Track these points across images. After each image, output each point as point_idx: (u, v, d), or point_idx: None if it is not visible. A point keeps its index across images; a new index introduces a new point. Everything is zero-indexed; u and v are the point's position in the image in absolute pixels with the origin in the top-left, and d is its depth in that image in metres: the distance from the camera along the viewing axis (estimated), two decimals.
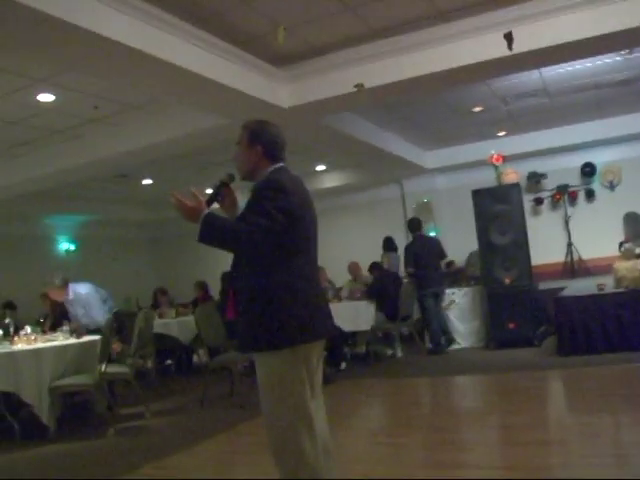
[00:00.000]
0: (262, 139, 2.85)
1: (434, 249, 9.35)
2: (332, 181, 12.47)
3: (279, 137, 2.91)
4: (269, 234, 2.58)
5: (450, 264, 10.17)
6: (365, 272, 9.61)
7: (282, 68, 6.63)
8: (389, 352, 8.93)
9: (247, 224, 2.61)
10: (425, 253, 9.16)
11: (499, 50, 5.73)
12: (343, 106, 7.17)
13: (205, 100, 6.32)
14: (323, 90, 6.62)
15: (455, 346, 9.09)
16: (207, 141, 8.13)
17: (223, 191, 2.90)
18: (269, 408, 2.67)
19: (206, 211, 2.65)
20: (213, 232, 2.62)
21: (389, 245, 10.53)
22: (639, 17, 5.39)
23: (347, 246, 12.02)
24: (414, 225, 9.55)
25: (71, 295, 6.58)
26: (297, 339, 2.64)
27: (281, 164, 2.87)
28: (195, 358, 9.47)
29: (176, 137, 7.61)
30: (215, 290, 9.48)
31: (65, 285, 6.58)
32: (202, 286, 9.85)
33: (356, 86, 6.35)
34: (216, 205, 2.87)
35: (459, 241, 11.33)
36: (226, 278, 9.27)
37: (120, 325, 6.69)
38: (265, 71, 6.48)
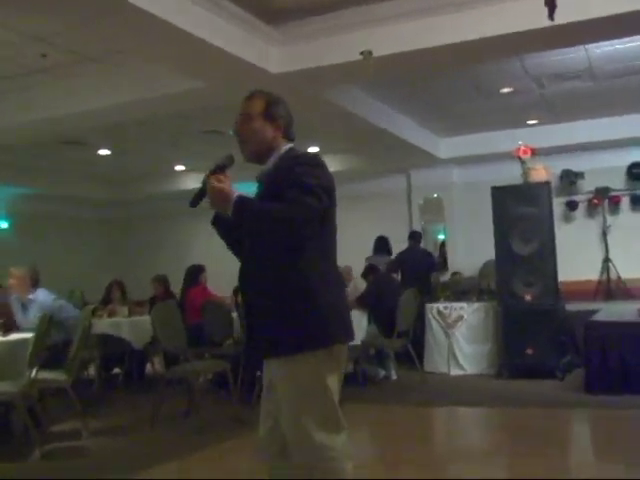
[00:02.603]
0: (281, 111, 2.88)
1: (424, 262, 10.60)
2: (328, 166, 12.38)
3: (289, 111, 2.95)
4: (316, 215, 2.63)
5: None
6: (359, 278, 9.59)
7: (274, 26, 6.57)
8: (382, 373, 8.90)
9: (291, 203, 2.59)
10: (415, 264, 10.13)
11: (537, 19, 5.68)
12: (345, 77, 7.13)
13: (177, 56, 6.25)
14: (321, 56, 6.58)
15: (460, 372, 9.07)
16: (179, 107, 8.09)
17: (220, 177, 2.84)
18: (302, 432, 2.64)
19: (237, 193, 2.65)
20: (250, 216, 2.63)
21: (380, 246, 10.61)
22: None
23: (339, 244, 11.94)
24: (415, 237, 10.95)
25: (35, 295, 6.59)
26: (338, 336, 2.70)
27: (292, 144, 2.91)
28: (149, 367, 9.42)
29: (142, 99, 7.55)
30: (178, 286, 9.40)
31: (34, 280, 6.65)
32: (162, 281, 9.75)
33: (362, 54, 6.30)
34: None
35: (473, 247, 11.34)
36: (194, 272, 9.19)
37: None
38: (254, 27, 6.42)
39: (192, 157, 11.94)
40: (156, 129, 9.91)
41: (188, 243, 14.31)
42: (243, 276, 2.85)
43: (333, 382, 2.69)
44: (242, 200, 2.63)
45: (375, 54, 6.28)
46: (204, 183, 2.77)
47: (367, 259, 10.34)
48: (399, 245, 10.86)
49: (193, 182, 13.08)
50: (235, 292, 8.70)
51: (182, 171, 13.29)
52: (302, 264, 2.68)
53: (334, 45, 6.47)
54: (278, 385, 2.72)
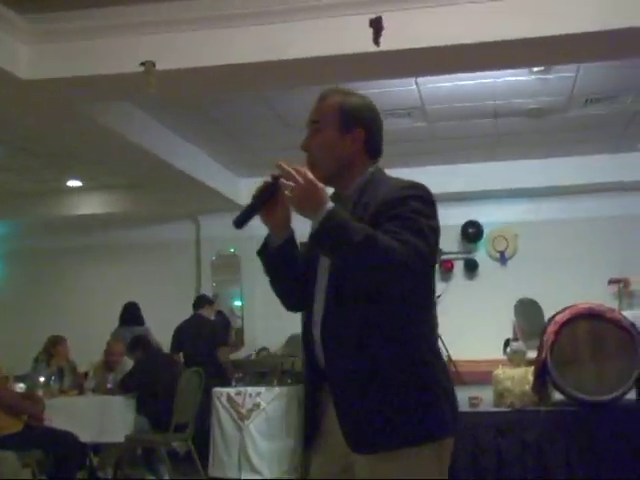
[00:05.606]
0: (364, 119, 2.78)
1: (211, 334, 10.52)
2: (91, 206, 12.29)
3: (380, 119, 2.87)
4: (425, 263, 2.51)
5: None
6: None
7: (26, 16, 6.36)
8: None
9: (396, 240, 2.45)
10: (199, 338, 10.20)
11: (361, 43, 5.84)
12: (117, 92, 7.11)
13: None
14: (88, 62, 6.44)
15: (254, 476, 8.97)
16: None
17: (275, 192, 2.74)
18: None
19: (331, 204, 2.50)
20: (345, 233, 2.44)
21: (129, 316, 10.84)
22: (566, 23, 5.65)
23: (105, 309, 11.63)
24: (201, 303, 10.84)
25: None
26: (450, 427, 2.63)
27: (377, 165, 2.87)
28: None
29: None
30: None
31: None
32: None
33: (143, 64, 6.24)
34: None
35: (275, 316, 11.33)
36: None
37: None
38: None
39: None
40: None
41: None
42: (325, 329, 2.69)
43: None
44: (337, 212, 2.48)
45: (158, 67, 6.24)
46: (259, 191, 2.74)
47: (112, 334, 10.38)
48: (183, 312, 10.74)
49: None
50: None
51: None
52: (411, 329, 2.62)
53: (102, 48, 6.36)
54: None
